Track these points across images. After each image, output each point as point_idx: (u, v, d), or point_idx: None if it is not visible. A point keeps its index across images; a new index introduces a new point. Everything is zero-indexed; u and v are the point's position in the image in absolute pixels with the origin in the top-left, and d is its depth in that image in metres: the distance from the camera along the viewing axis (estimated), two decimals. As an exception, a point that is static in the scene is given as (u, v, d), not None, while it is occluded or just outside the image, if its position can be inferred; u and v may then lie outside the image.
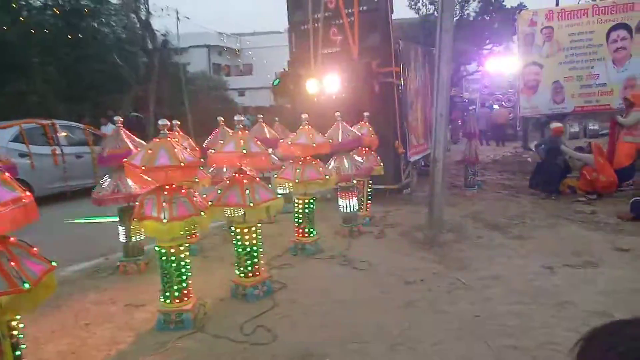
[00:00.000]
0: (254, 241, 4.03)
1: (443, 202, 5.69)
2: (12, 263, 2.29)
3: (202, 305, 3.79)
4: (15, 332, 2.47)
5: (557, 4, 14.68)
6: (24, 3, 15.07)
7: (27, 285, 2.25)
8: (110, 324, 3.65)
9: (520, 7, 20.43)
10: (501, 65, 18.46)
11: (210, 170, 5.66)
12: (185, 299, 3.61)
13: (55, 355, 3.22)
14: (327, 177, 5.06)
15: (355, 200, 5.71)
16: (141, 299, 4.02)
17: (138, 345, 3.30)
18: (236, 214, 3.97)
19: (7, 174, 2.52)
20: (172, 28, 17.59)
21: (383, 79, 7.20)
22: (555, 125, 7.76)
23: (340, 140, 5.46)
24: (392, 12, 7.64)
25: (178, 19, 17.46)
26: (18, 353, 2.48)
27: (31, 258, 2.47)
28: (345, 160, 5.57)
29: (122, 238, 4.83)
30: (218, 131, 6.13)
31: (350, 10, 7.34)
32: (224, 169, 5.51)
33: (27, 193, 2.46)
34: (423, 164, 9.01)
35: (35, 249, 2.60)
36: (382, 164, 6.36)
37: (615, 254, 4.73)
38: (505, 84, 18.84)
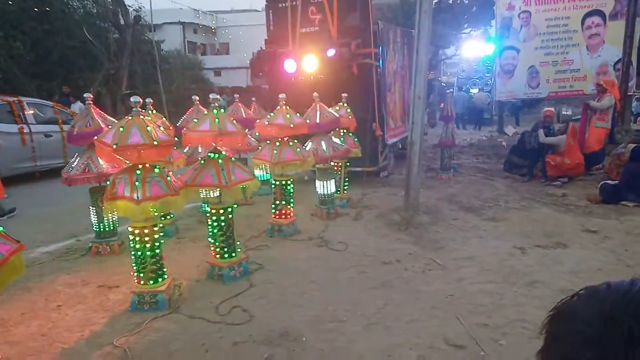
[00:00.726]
0: (230, 222, 3.99)
1: (419, 184, 5.74)
2: (-25, 244, 2.21)
3: (177, 287, 3.75)
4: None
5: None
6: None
7: (-8, 265, 2.17)
8: (83, 305, 3.58)
9: (499, -9, 20.51)
10: (479, 49, 18.60)
11: (185, 150, 5.55)
12: (160, 280, 3.56)
13: (26, 337, 3.14)
14: (305, 158, 5.02)
15: (332, 182, 5.70)
16: (115, 280, 3.95)
17: (112, 326, 3.25)
18: (212, 195, 3.92)
19: None
20: (145, 3, 16.99)
21: (362, 60, 7.13)
22: (547, 109, 7.89)
23: (318, 121, 5.41)
24: (373, -9, 7.54)
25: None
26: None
27: (-4, 238, 2.37)
28: (322, 142, 5.53)
29: (93, 219, 4.70)
30: (192, 109, 5.99)
31: (329, -11, 7.19)
32: (199, 149, 5.40)
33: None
34: (400, 146, 9.05)
35: (0, 228, 2.50)
36: (359, 146, 6.35)
37: (585, 235, 4.88)
38: (482, 68, 19.03)
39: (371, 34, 7.25)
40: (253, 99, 7.68)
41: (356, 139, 6.36)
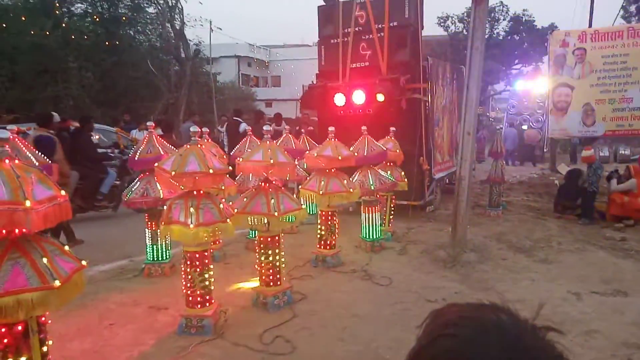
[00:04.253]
0: (277, 251, 4.06)
1: (467, 221, 5.62)
2: (45, 260, 2.38)
3: (223, 312, 3.83)
4: (43, 328, 2.55)
5: (590, 25, 14.46)
6: (65, 10, 15.73)
7: (57, 283, 2.33)
8: (133, 325, 3.72)
9: (552, 27, 20.21)
10: (530, 86, 18.23)
11: (237, 178, 5.75)
12: (207, 304, 3.66)
13: (79, 354, 3.29)
14: (351, 190, 5.07)
15: (378, 215, 5.69)
16: (164, 302, 4.09)
17: (159, 348, 3.35)
18: (260, 223, 4.02)
19: (44, 173, 2.62)
20: (204, 38, 18.04)
21: (410, 95, 7.19)
22: (588, 154, 7.59)
23: (365, 154, 5.47)
24: (422, 28, 7.66)
25: (211, 29, 17.92)
26: (45, 349, 2.55)
27: (63, 256, 2.54)
28: (369, 175, 5.57)
29: (147, 241, 4.93)
30: (246, 139, 6.23)
31: (380, 26, 7.39)
32: (250, 178, 5.59)
33: (62, 193, 2.55)
34: (447, 181, 8.92)
35: (66, 247, 2.69)
36: (406, 180, 6.34)
37: (647, 283, 4.58)
38: (533, 104, 18.60)
39: (420, 69, 7.34)
40: (302, 130, 7.87)
41: (403, 173, 6.35)
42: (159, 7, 16.14)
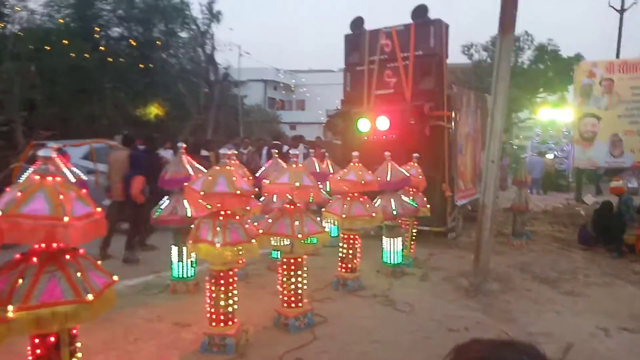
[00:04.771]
0: (299, 272, 4.12)
1: (490, 249, 5.57)
2: (79, 274, 2.49)
3: (245, 332, 3.87)
4: (74, 340, 2.65)
5: (617, 56, 14.34)
6: (103, 33, 16.50)
7: (90, 297, 2.43)
8: (157, 341, 3.80)
9: (579, 57, 20.08)
10: (555, 115, 18.04)
11: (260, 199, 5.86)
12: (230, 323, 3.71)
13: (106, 366, 3.38)
14: (374, 214, 5.11)
15: (399, 240, 5.70)
16: (188, 319, 4.16)
17: (181, 364, 3.41)
18: (284, 244, 4.10)
19: (83, 190, 2.77)
20: (233, 62, 18.61)
21: (434, 122, 7.26)
22: (616, 185, 7.45)
23: (388, 179, 5.53)
24: (447, 57, 7.78)
25: (240, 54, 18.49)
26: (74, 363, 2.63)
27: (96, 271, 2.66)
28: (392, 200, 5.61)
29: (174, 258, 5.05)
30: (271, 162, 6.37)
31: (405, 55, 7.54)
32: (274, 199, 5.69)
33: (99, 209, 2.68)
34: (470, 208, 8.85)
35: (99, 262, 2.81)
36: (428, 206, 6.34)
37: (679, 321, 4.43)
38: (558, 133, 18.36)
39: (444, 97, 7.41)
40: (326, 153, 7.98)
41: (425, 199, 6.36)
42: (192, 32, 16.77)
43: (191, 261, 5.05)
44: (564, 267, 6.28)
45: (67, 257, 2.49)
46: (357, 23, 8.13)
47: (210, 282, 3.71)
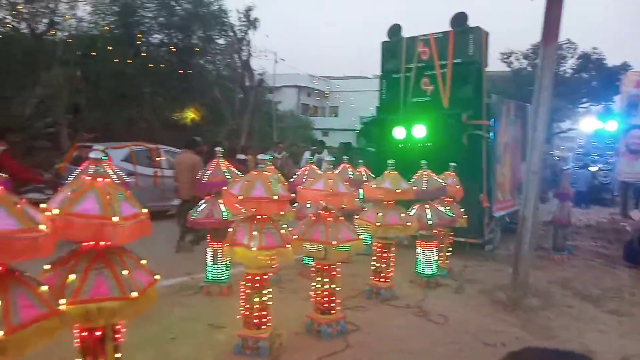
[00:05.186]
0: (333, 279, 4.11)
1: (529, 263, 5.41)
2: (125, 272, 2.58)
3: (278, 336, 3.89)
4: (118, 335, 2.74)
5: (668, 65, 13.71)
6: (144, 40, 17.06)
7: (135, 294, 2.51)
8: (193, 340, 3.87)
9: (625, 66, 19.33)
10: (599, 125, 17.34)
11: (293, 205, 5.90)
12: (264, 327, 3.74)
13: (144, 363, 3.47)
14: (409, 223, 5.05)
15: (434, 250, 5.61)
16: (222, 321, 4.22)
17: (217, 365, 3.46)
18: (318, 250, 4.10)
19: (129, 191, 2.86)
20: (267, 68, 18.90)
21: (472, 131, 7.13)
22: None
23: (424, 188, 5.46)
24: (486, 65, 7.64)
25: (276, 61, 18.78)
26: (118, 355, 2.72)
27: (140, 269, 2.74)
28: (427, 209, 5.53)
29: (209, 260, 5.14)
30: (306, 168, 6.41)
31: (443, 62, 7.46)
32: (307, 205, 5.71)
33: (144, 210, 2.77)
34: (509, 220, 8.63)
35: (143, 261, 2.89)
36: (465, 217, 6.22)
37: None
38: (602, 144, 17.66)
39: (482, 105, 7.28)
40: (360, 160, 7.97)
41: (462, 209, 6.25)
42: (229, 39, 17.13)
43: (225, 264, 5.13)
44: (608, 284, 6.02)
45: (114, 255, 2.58)
46: (395, 30, 8.11)
47: (245, 286, 3.75)
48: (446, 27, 7.58)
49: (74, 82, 13.42)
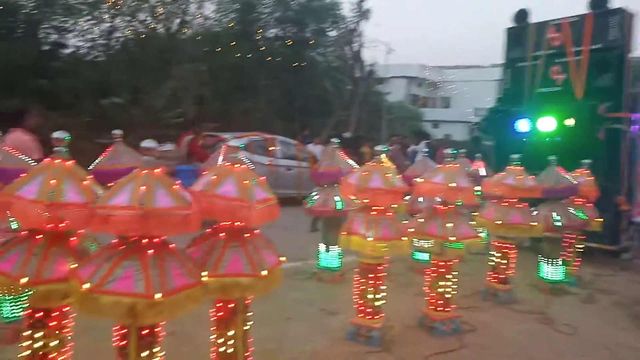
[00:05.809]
0: (449, 276, 3.99)
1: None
2: (256, 252, 2.77)
3: (390, 327, 3.89)
4: (247, 310, 2.96)
5: None
6: (261, 34, 18.02)
7: (265, 272, 2.69)
8: (307, 323, 4.04)
9: None
10: None
11: (405, 198, 5.81)
12: (377, 316, 3.76)
13: (263, 339, 3.65)
14: (533, 223, 4.70)
15: (562, 254, 5.15)
16: (334, 307, 4.34)
17: (330, 349, 3.58)
18: (434, 246, 4.00)
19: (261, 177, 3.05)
20: (377, 58, 18.80)
21: (610, 125, 6.37)
22: None
23: (553, 186, 5.02)
24: (630, 51, 6.76)
25: (387, 52, 18.61)
26: (246, 328, 2.95)
27: (268, 250, 2.93)
28: (555, 209, 5.08)
29: (321, 247, 5.30)
30: (420, 161, 6.27)
31: (578, 48, 6.76)
32: (420, 199, 5.59)
33: (274, 196, 2.94)
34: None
35: (271, 243, 3.08)
36: (599, 220, 5.61)
37: None
38: None
39: (624, 96, 6.47)
40: (477, 155, 7.59)
41: (596, 211, 5.64)
42: (341, 31, 17.36)
43: (338, 252, 5.24)
44: None
45: (247, 235, 2.79)
46: (521, 15, 7.54)
47: (360, 275, 3.80)
48: (582, 9, 6.86)
49: (200, 75, 14.66)
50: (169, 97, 13.97)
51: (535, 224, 4.72)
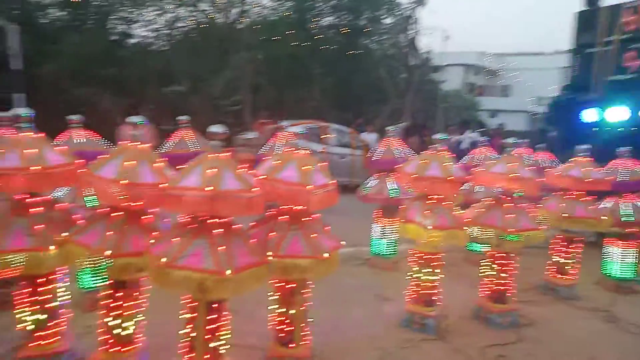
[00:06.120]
0: (508, 269, 3.90)
1: None
2: (315, 235, 2.85)
3: (445, 317, 3.87)
4: (306, 290, 3.06)
5: None
6: (316, 24, 18.03)
7: (326, 255, 2.77)
8: (362, 308, 4.11)
9: None
10: None
11: (462, 188, 5.69)
12: (432, 305, 3.76)
13: (322, 319, 3.77)
14: (601, 217, 4.47)
15: (632, 252, 4.87)
16: (388, 294, 4.38)
17: (385, 333, 3.64)
18: (493, 237, 3.91)
19: (324, 163, 3.12)
20: (433, 46, 18.34)
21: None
22: None
23: (624, 178, 4.74)
24: None
25: (444, 39, 18.11)
26: (304, 309, 3.06)
27: (325, 234, 3.01)
28: (625, 203, 4.80)
29: (375, 234, 5.33)
30: (478, 151, 6.11)
31: (657, 32, 6.28)
32: (475, 188, 5.46)
33: (333, 181, 3.00)
34: None
35: (328, 228, 3.14)
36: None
37: None
38: None
39: None
40: (539, 145, 7.27)
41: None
42: (396, 18, 17.04)
43: (393, 240, 5.25)
44: None
45: (307, 219, 2.87)
46: (593, -2, 7.10)
47: (415, 262, 3.80)
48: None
49: (256, 64, 14.94)
50: (226, 85, 14.37)
51: (605, 217, 4.49)
